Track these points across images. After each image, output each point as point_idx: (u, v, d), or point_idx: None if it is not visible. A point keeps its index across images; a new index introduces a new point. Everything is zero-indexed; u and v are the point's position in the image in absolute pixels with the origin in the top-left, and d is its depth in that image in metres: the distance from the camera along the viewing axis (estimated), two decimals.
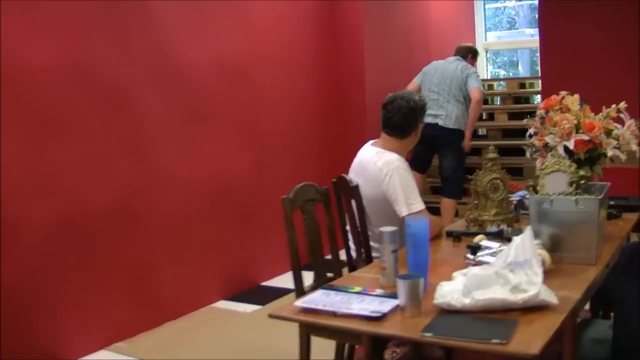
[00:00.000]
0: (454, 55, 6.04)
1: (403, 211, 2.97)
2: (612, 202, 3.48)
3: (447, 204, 5.81)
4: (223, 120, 4.93)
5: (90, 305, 3.96)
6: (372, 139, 3.36)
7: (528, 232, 2.16)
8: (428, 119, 5.76)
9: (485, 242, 2.63)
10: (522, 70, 10.35)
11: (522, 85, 7.62)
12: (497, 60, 10.51)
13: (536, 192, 2.74)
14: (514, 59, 10.75)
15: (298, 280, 2.84)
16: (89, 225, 3.96)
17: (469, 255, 2.48)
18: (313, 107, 5.84)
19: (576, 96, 3.01)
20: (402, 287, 2.00)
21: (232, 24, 5.00)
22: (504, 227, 3.07)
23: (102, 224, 4.03)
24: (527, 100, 7.50)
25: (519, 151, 6.14)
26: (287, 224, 2.83)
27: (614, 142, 2.96)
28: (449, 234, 3.05)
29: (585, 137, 2.91)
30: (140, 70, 4.31)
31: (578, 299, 2.13)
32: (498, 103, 7.64)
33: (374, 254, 3.04)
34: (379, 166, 3.06)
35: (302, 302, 2.17)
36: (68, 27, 3.85)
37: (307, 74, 5.78)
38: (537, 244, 2.51)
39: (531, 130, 3.11)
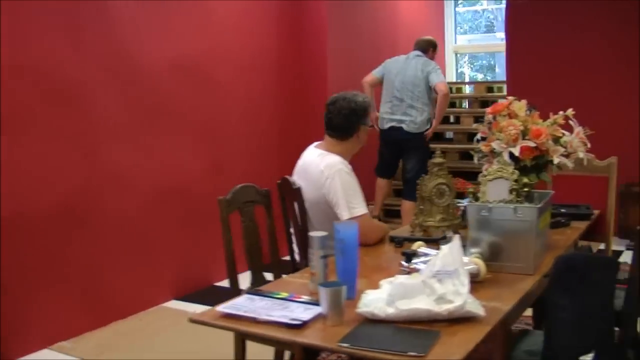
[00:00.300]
0: (414, 49, 5.96)
1: (344, 215, 2.90)
2: (562, 210, 3.45)
3: (407, 206, 5.75)
4: (179, 119, 4.84)
5: (35, 305, 3.87)
6: None
7: (456, 241, 2.10)
8: (392, 123, 5.71)
9: (423, 249, 2.57)
10: (499, 74, 10.32)
11: (490, 89, 7.60)
12: (475, 64, 10.49)
13: (477, 199, 2.68)
14: (492, 62, 10.74)
15: (234, 283, 2.77)
16: (34, 224, 3.86)
17: (403, 263, 2.42)
18: (274, 107, 5.77)
19: (523, 102, 2.97)
20: (323, 294, 1.94)
21: (191, 22, 4.92)
22: (449, 233, 3.01)
23: (48, 223, 3.94)
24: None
25: None
26: (223, 226, 2.76)
27: (562, 150, 2.92)
28: (392, 239, 2.98)
29: (532, 144, 2.86)
30: (94, 68, 4.22)
31: (508, 310, 2.08)
32: (466, 106, 7.61)
33: None
34: (320, 169, 2.99)
35: (224, 307, 2.10)
36: (19, 24, 3.75)
37: (268, 74, 5.70)
38: (475, 252, 2.45)
39: (479, 135, 3.05)
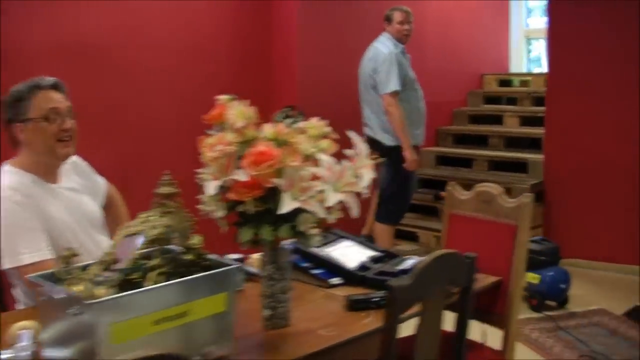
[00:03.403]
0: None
1: (4, 263, 1.95)
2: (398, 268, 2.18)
3: (378, 230, 4.53)
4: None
5: None
6: None
7: None
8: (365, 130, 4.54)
9: None
10: None
11: None
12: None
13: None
14: None
15: None
16: None
17: None
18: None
19: (245, 104, 1.77)
20: None
21: None
22: None
23: None
24: None
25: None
26: None
27: (318, 187, 1.70)
28: None
29: (242, 177, 1.68)
30: None
31: None
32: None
33: None
34: None
35: None
36: None
37: (218, 66, 4.65)
38: None
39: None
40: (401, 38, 4.47)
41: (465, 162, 5.48)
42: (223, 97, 1.80)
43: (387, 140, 4.39)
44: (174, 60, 4.41)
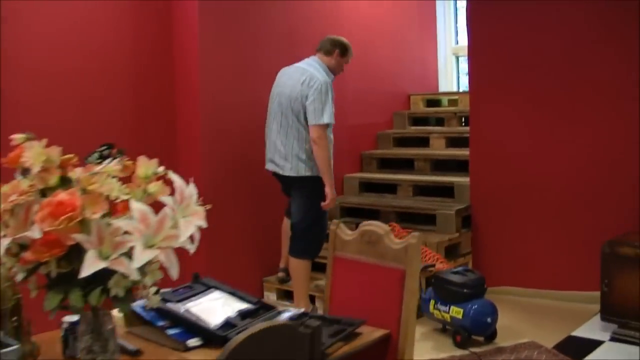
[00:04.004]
0: (317, 52, 4.29)
1: None
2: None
3: (294, 265, 4.20)
4: None
5: None
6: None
7: None
8: (269, 166, 4.24)
9: None
10: None
11: None
12: None
13: None
14: None
15: None
16: None
17: None
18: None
19: (41, 144, 1.45)
20: None
21: None
22: None
23: None
24: None
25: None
26: None
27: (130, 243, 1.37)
28: None
29: (35, 234, 1.35)
30: None
31: None
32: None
33: None
34: None
35: None
36: None
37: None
38: None
39: None
40: (335, 70, 4.27)
41: (391, 188, 5.21)
42: (18, 136, 1.47)
43: (302, 170, 4.08)
44: (70, 65, 3.96)
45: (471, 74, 4.86)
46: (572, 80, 4.38)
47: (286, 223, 4.42)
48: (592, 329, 3.97)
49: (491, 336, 3.84)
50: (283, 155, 4.10)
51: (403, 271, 1.96)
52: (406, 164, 5.43)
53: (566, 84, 4.40)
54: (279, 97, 4.14)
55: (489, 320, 3.75)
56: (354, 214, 5.15)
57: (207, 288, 2.20)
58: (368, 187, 5.38)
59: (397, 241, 2.01)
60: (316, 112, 3.97)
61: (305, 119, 4.02)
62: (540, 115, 4.50)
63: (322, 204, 4.05)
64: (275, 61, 4.50)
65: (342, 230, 2.19)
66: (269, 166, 4.22)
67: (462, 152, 5.05)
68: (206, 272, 2.41)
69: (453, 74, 6.66)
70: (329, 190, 4.05)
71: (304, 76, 4.05)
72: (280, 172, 4.14)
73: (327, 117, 3.99)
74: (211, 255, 4.24)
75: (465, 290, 3.76)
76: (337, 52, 4.24)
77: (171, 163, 1.82)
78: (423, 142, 5.60)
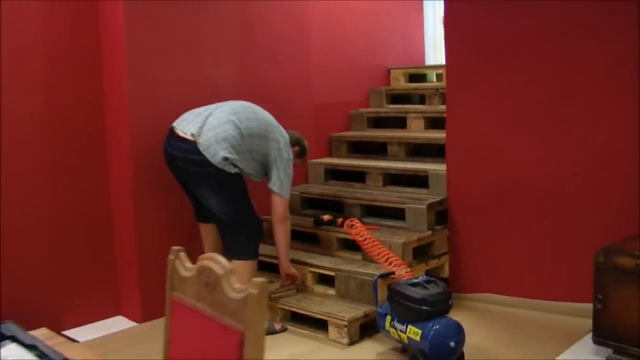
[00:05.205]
0: None
1: None
2: None
3: (237, 268, 3.54)
4: None
5: None
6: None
7: None
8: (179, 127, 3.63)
9: None
10: None
11: None
12: None
13: None
14: None
15: None
16: None
17: None
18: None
19: None
20: None
21: None
22: None
23: None
24: None
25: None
26: None
27: None
28: None
29: None
30: None
31: None
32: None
33: None
34: None
35: None
36: None
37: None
38: None
39: None
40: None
41: (360, 176, 4.52)
42: None
43: (229, 168, 3.44)
44: None
45: (448, 44, 4.14)
46: (565, 59, 3.65)
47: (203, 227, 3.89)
48: (582, 351, 3.29)
49: None
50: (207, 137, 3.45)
51: (242, 335, 1.30)
52: (381, 148, 4.73)
53: (559, 62, 3.67)
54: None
55: (452, 344, 3.07)
56: (316, 206, 4.48)
57: (3, 339, 1.57)
58: (335, 174, 4.69)
59: (238, 287, 1.34)
60: (280, 181, 3.60)
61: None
62: (531, 96, 3.77)
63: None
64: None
65: (181, 263, 1.52)
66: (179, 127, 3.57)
67: (443, 135, 4.32)
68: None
69: (442, 45, 5.89)
70: (287, 269, 3.78)
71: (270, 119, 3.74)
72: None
73: (286, 193, 3.64)
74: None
75: (424, 308, 3.08)
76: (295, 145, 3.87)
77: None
78: (400, 122, 4.88)
